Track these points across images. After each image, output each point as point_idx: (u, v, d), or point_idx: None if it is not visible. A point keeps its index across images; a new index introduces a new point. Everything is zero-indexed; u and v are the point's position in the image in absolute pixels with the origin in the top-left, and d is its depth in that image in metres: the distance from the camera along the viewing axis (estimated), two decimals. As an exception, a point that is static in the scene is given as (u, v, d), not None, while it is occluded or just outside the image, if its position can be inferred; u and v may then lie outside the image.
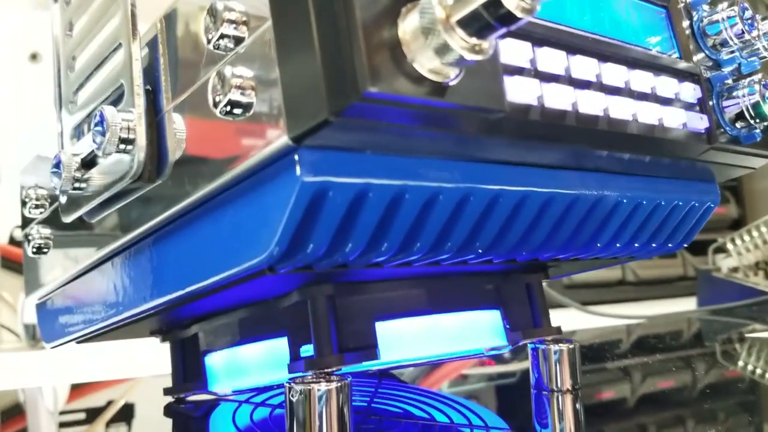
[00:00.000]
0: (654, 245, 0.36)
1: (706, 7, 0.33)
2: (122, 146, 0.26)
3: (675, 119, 0.29)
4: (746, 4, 0.32)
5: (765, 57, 0.33)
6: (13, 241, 1.02)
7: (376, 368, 0.38)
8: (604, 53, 0.27)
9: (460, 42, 0.19)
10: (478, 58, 0.19)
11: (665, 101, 0.29)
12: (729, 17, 0.32)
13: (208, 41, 0.23)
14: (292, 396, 0.27)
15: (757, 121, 0.31)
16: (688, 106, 0.31)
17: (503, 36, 0.21)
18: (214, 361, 0.37)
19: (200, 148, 0.25)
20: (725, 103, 0.32)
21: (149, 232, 0.29)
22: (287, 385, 0.28)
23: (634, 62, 0.29)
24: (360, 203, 0.23)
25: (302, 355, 0.31)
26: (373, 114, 0.20)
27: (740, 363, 0.53)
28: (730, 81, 0.33)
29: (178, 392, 0.40)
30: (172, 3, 0.27)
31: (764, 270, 1.03)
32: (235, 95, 0.22)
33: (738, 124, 0.32)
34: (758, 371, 0.49)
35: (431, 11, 0.19)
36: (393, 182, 0.23)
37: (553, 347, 0.37)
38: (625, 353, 0.63)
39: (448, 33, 0.19)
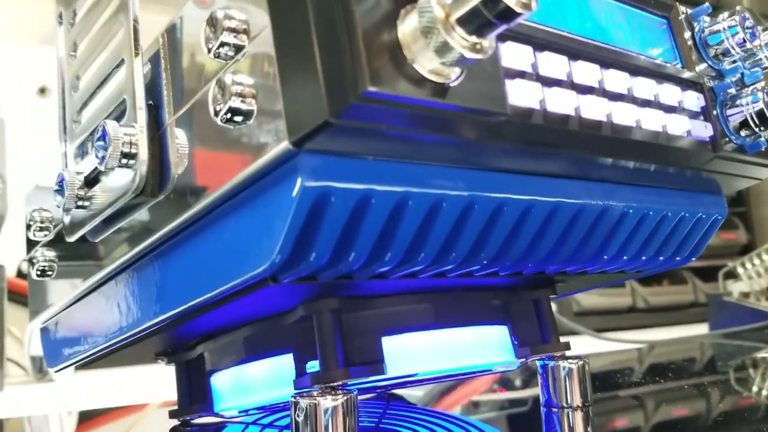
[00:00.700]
0: (661, 258, 0.36)
1: (706, 17, 0.33)
2: (124, 160, 0.26)
3: (679, 127, 0.29)
4: (747, 14, 0.33)
5: (768, 66, 0.33)
6: (20, 274, 1.02)
7: (383, 386, 0.37)
8: (606, 60, 0.27)
9: (460, 41, 0.19)
10: (479, 56, 0.19)
11: (669, 109, 0.29)
12: (730, 27, 0.32)
13: (209, 50, 0.23)
14: (298, 411, 0.27)
15: (762, 128, 0.31)
16: (692, 115, 0.31)
17: (503, 35, 0.21)
18: (220, 381, 0.36)
19: (202, 159, 0.25)
20: (729, 112, 0.32)
21: (152, 247, 0.29)
22: (293, 400, 0.27)
23: (636, 69, 0.29)
24: (363, 210, 0.23)
25: (308, 370, 0.30)
26: (373, 116, 0.20)
27: (755, 389, 0.52)
28: (733, 90, 0.33)
29: (184, 415, 0.39)
30: (173, 17, 0.27)
31: (775, 293, 1.02)
32: (235, 103, 0.22)
33: (743, 133, 0.32)
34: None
35: (430, 11, 0.19)
36: (396, 189, 0.23)
37: (563, 364, 0.37)
38: (638, 380, 0.62)
39: (448, 32, 0.19)
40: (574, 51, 0.26)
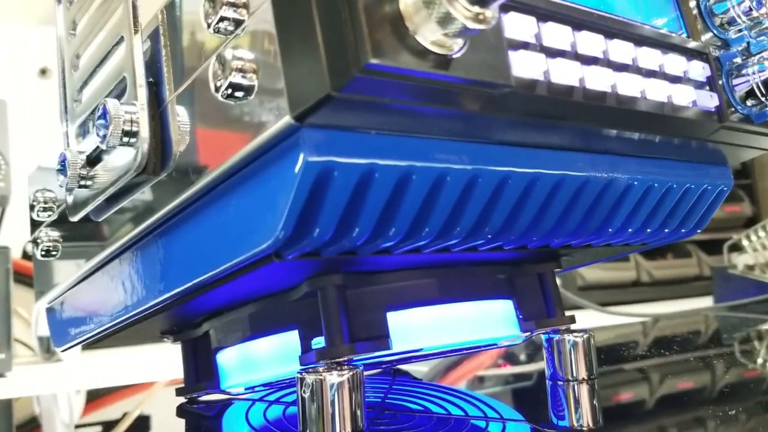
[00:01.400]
0: (666, 230, 0.35)
1: (712, -15, 0.33)
2: (126, 139, 0.26)
3: (684, 97, 0.29)
4: (753, -18, 0.32)
5: (774, 34, 0.33)
6: (26, 255, 1.02)
7: (388, 361, 0.37)
8: (610, 30, 0.27)
9: (462, 11, 0.19)
10: (482, 27, 0.19)
11: (674, 79, 0.29)
12: (736, -5, 0.32)
13: (208, 26, 0.23)
14: (305, 387, 0.27)
15: (769, 97, 0.31)
16: (698, 85, 0.30)
17: (506, 6, 0.20)
18: (226, 358, 0.37)
19: (204, 136, 0.25)
20: (735, 82, 0.32)
21: (155, 225, 0.29)
22: (299, 376, 0.27)
23: (641, 40, 0.28)
24: (366, 185, 0.23)
25: (314, 347, 0.30)
26: (375, 89, 0.20)
27: (759, 361, 0.53)
28: (739, 59, 0.32)
29: (191, 392, 0.39)
30: (172, -7, 0.27)
31: (780, 265, 1.02)
32: (236, 78, 0.22)
33: (749, 102, 0.31)
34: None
35: (432, -19, 0.19)
36: (399, 163, 0.23)
37: (568, 337, 0.37)
38: (643, 353, 0.62)
39: (450, 2, 0.19)
40: (578, 21, 0.26)
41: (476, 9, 0.19)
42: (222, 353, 0.37)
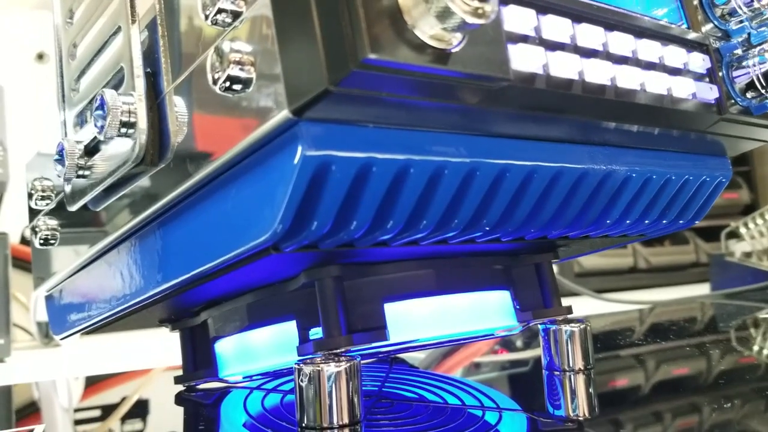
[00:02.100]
0: (665, 221, 0.35)
1: (713, -24, 0.33)
2: (123, 130, 0.26)
3: (684, 89, 0.29)
4: (754, -28, 0.32)
5: (775, 26, 0.32)
6: (24, 240, 1.02)
7: (387, 351, 0.37)
8: (610, 22, 0.27)
9: (461, 5, 0.19)
10: (481, 21, 0.19)
11: (674, 71, 0.29)
12: (737, -14, 0.32)
13: (206, 17, 0.23)
14: (302, 377, 0.27)
15: (769, 90, 0.31)
16: (697, 77, 0.30)
17: (505, 1, 0.20)
18: (224, 347, 0.37)
19: (202, 128, 0.25)
20: (735, 73, 0.31)
21: (154, 216, 0.29)
22: (296, 366, 0.27)
23: (641, 31, 0.28)
24: (364, 178, 0.23)
25: (311, 337, 0.30)
26: (373, 83, 0.20)
27: (755, 348, 0.53)
28: (739, 51, 0.32)
29: (189, 380, 0.40)
30: (169, -18, 0.26)
31: (778, 253, 1.02)
32: (234, 71, 0.22)
33: (749, 95, 0.31)
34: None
35: (430, -25, 0.19)
36: (397, 156, 0.23)
37: (564, 327, 0.37)
38: (639, 340, 0.62)
39: (449, -3, 0.18)
40: (578, 13, 0.26)
41: (475, 3, 0.19)
42: (220, 342, 0.37)
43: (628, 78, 0.27)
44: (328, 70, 0.19)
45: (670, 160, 0.33)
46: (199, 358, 0.38)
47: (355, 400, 0.27)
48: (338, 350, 0.28)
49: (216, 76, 0.22)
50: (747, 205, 1.51)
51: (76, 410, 0.48)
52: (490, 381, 0.47)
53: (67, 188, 0.33)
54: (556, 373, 0.38)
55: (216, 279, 0.28)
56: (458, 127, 0.25)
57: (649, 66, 0.28)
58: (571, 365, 0.37)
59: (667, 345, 0.55)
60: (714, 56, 0.31)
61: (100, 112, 0.26)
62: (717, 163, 0.36)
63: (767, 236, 1.03)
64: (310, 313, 0.30)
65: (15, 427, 0.41)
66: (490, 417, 0.33)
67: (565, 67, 0.24)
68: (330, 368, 0.27)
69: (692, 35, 0.31)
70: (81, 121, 0.32)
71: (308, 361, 0.27)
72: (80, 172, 0.30)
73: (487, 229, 0.28)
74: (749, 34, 0.33)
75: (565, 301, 0.37)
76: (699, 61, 0.30)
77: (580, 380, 0.37)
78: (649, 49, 0.28)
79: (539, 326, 0.38)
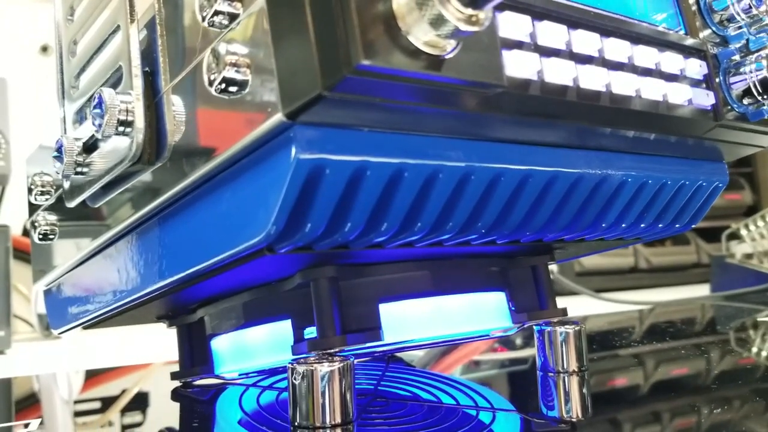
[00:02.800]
0: (661, 225, 0.35)
1: (712, -18, 0.33)
2: (121, 128, 0.26)
3: (680, 95, 0.29)
4: (753, -21, 0.32)
5: (773, 32, 0.32)
6: (26, 232, 1.03)
7: (381, 351, 0.38)
8: (606, 28, 0.27)
9: (455, 13, 0.19)
10: (474, 29, 0.19)
11: (670, 77, 0.29)
12: (736, -8, 0.32)
13: (203, 18, 0.23)
14: (295, 377, 0.27)
15: (765, 97, 0.31)
16: (694, 83, 0.30)
17: (500, 7, 0.20)
18: (220, 344, 0.37)
19: (198, 129, 0.25)
20: (732, 80, 0.31)
21: (150, 214, 0.29)
22: (290, 366, 0.28)
23: (637, 37, 0.28)
24: (358, 181, 0.23)
25: (306, 337, 0.31)
26: (367, 89, 0.20)
27: (754, 349, 0.53)
28: (737, 57, 0.32)
29: (186, 377, 0.40)
30: (168, -17, 0.27)
31: (778, 255, 1.02)
32: (229, 73, 0.22)
33: (745, 101, 0.31)
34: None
35: (424, -18, 0.19)
36: (392, 160, 0.23)
37: (559, 329, 0.37)
38: (638, 340, 0.62)
39: (443, 4, 0.19)
40: (574, 19, 0.26)
41: (469, 11, 0.19)
42: (216, 339, 0.37)
43: (624, 84, 0.27)
44: (321, 75, 0.19)
45: (665, 165, 0.33)
46: (195, 354, 0.39)
47: (348, 399, 0.28)
48: (332, 350, 0.28)
49: (212, 77, 0.23)
50: (749, 206, 1.51)
51: (76, 402, 0.49)
52: (488, 379, 0.47)
53: (66, 184, 0.33)
54: (551, 374, 0.38)
55: (211, 278, 0.28)
56: (453, 132, 0.25)
57: (646, 72, 0.28)
58: (565, 366, 0.37)
59: (665, 346, 0.55)
60: (711, 62, 0.31)
61: (98, 110, 0.26)
62: (713, 168, 0.36)
63: (768, 238, 1.03)
64: (305, 312, 0.30)
65: (15, 419, 0.41)
66: (484, 417, 0.33)
67: (560, 73, 0.24)
68: (323, 368, 0.27)
69: (690, 41, 0.31)
70: (80, 117, 0.32)
71: (302, 360, 0.28)
72: (78, 169, 0.31)
73: (483, 232, 0.28)
74: (747, 40, 0.33)
75: (565, 301, 0.38)
76: (696, 68, 0.30)
77: (574, 381, 0.37)
78: (646, 55, 0.28)
79: (534, 328, 0.38)
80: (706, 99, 0.30)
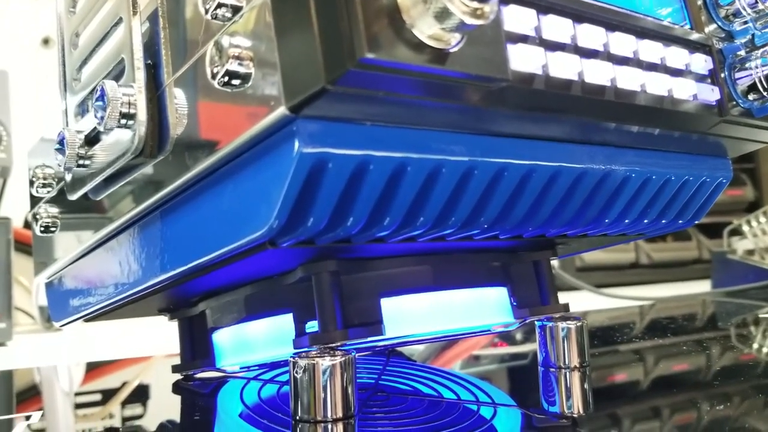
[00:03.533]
0: (664, 221, 0.35)
1: (718, -24, 0.32)
2: (123, 121, 0.26)
3: (685, 91, 0.29)
4: (759, -27, 0.32)
5: (779, 27, 0.32)
6: (27, 225, 1.03)
7: (383, 345, 0.38)
8: (612, 22, 0.27)
9: (460, 6, 0.18)
10: (480, 22, 0.19)
11: (675, 72, 0.29)
12: (742, -13, 0.31)
13: (206, 11, 0.23)
14: (297, 370, 0.27)
15: (770, 92, 0.31)
16: (699, 78, 0.30)
17: (505, 0, 0.20)
18: (221, 338, 0.37)
19: (200, 122, 0.25)
20: (737, 75, 0.31)
21: (153, 207, 0.29)
22: (292, 360, 0.28)
23: (643, 32, 0.28)
24: (361, 176, 0.23)
25: (307, 331, 0.31)
26: (371, 82, 0.20)
27: (755, 346, 0.53)
28: (742, 52, 0.32)
29: (187, 369, 0.40)
30: (171, -26, 0.26)
31: (780, 252, 1.02)
32: (232, 66, 0.22)
33: (750, 96, 0.31)
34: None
35: (430, -25, 0.18)
36: (394, 154, 0.23)
37: (561, 324, 0.37)
38: (639, 335, 0.62)
39: (448, -3, 0.18)
40: (579, 13, 0.25)
41: (474, 4, 0.19)
42: (218, 333, 0.37)
43: (629, 79, 0.26)
44: (325, 68, 0.19)
45: (669, 161, 0.33)
46: (196, 347, 0.39)
47: (350, 393, 0.28)
48: (334, 344, 0.28)
49: (215, 70, 0.22)
50: (751, 202, 1.51)
51: (77, 394, 0.49)
52: (488, 374, 0.47)
53: (68, 177, 0.33)
54: (552, 369, 0.38)
55: (213, 271, 0.28)
56: (456, 126, 0.24)
57: (651, 67, 0.28)
58: (566, 362, 0.37)
59: (666, 341, 0.55)
60: (717, 57, 0.31)
61: (100, 103, 0.26)
62: (717, 164, 0.35)
63: (770, 234, 1.03)
64: (307, 306, 0.30)
65: (16, 410, 0.41)
66: (485, 412, 0.33)
67: (564, 67, 0.24)
68: (325, 362, 0.27)
69: (695, 36, 0.31)
70: (82, 110, 0.32)
71: (303, 354, 0.28)
72: (80, 162, 0.31)
73: (485, 227, 0.28)
74: (753, 35, 0.32)
75: (566, 296, 0.37)
76: (701, 63, 0.30)
77: (576, 377, 0.37)
78: (651, 50, 0.28)
79: (536, 323, 0.38)
80: (711, 94, 0.30)
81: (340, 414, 0.27)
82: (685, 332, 0.62)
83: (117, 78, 0.28)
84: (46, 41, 1.08)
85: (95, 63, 0.30)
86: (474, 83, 0.21)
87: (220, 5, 0.22)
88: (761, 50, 0.31)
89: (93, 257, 0.36)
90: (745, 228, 1.04)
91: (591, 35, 0.25)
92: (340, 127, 0.22)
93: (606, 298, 0.97)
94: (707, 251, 1.37)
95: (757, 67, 0.31)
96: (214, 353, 0.38)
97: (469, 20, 0.19)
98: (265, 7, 0.21)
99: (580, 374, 0.37)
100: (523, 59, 0.23)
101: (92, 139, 0.31)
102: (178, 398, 0.41)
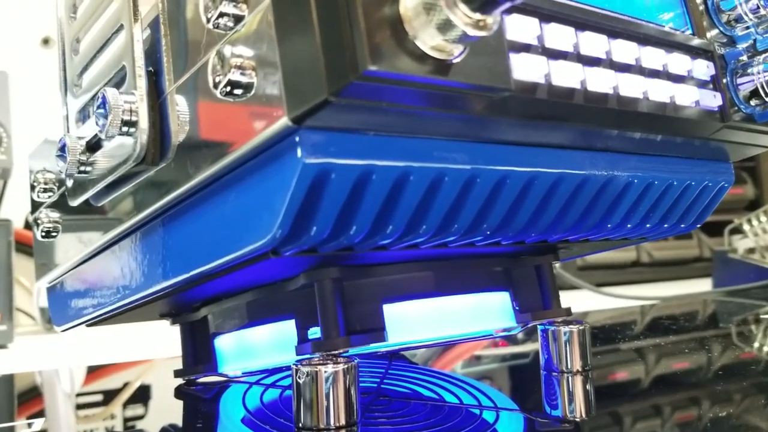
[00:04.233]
0: (666, 226, 0.35)
1: (720, -19, 0.32)
2: (125, 129, 0.26)
3: (687, 97, 0.29)
4: (761, -22, 0.32)
5: (781, 32, 0.32)
6: (28, 225, 1.02)
7: (385, 350, 0.38)
8: (614, 29, 0.27)
9: (462, 18, 0.18)
10: (482, 34, 0.19)
11: (677, 78, 0.29)
12: (744, -8, 0.31)
13: (208, 20, 0.23)
14: (299, 378, 0.27)
15: (773, 98, 0.31)
16: (701, 84, 0.30)
17: (508, 11, 0.20)
18: (224, 343, 0.37)
19: (202, 130, 0.25)
20: (739, 81, 0.31)
21: (155, 215, 0.29)
22: (294, 367, 0.28)
23: (645, 39, 0.28)
24: (363, 185, 0.23)
25: (310, 337, 0.31)
26: (374, 93, 0.20)
27: (756, 344, 0.53)
28: (744, 58, 0.32)
29: (189, 374, 0.40)
30: (172, -18, 0.26)
31: (781, 251, 1.02)
32: (234, 75, 0.22)
33: (752, 102, 0.31)
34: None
35: (432, -14, 0.18)
36: (397, 164, 0.23)
37: (563, 329, 0.37)
38: (640, 334, 0.62)
39: (450, 9, 0.18)
40: (582, 21, 0.25)
41: (477, 16, 0.19)
42: (220, 338, 0.37)
43: (631, 86, 0.26)
44: (328, 80, 0.19)
45: (672, 166, 0.33)
46: (198, 353, 0.39)
47: (352, 401, 0.28)
48: (336, 351, 0.28)
49: (217, 79, 0.22)
50: (751, 201, 1.51)
51: (78, 395, 0.49)
52: (491, 374, 0.47)
53: (69, 183, 0.33)
54: (554, 373, 0.38)
55: (215, 279, 0.28)
56: (459, 135, 0.24)
57: (653, 74, 0.28)
58: (569, 366, 0.37)
59: (667, 340, 0.55)
60: (718, 63, 0.31)
61: (101, 110, 0.26)
62: (719, 169, 0.35)
63: (771, 233, 1.03)
64: (309, 312, 0.30)
65: (17, 412, 0.41)
66: (488, 416, 0.33)
67: (567, 76, 0.24)
68: (327, 369, 0.27)
69: (697, 41, 0.31)
70: (83, 116, 0.32)
71: (306, 361, 0.28)
72: (82, 168, 0.30)
73: (488, 233, 0.28)
74: (755, 40, 0.32)
75: (567, 295, 0.37)
76: (703, 68, 0.30)
77: (578, 381, 0.37)
78: (653, 57, 0.28)
79: (538, 327, 0.38)
80: (713, 100, 0.30)
81: (342, 421, 0.27)
82: (686, 331, 0.62)
83: (118, 85, 0.28)
84: (46, 41, 1.08)
85: (96, 69, 0.30)
86: (477, 93, 0.21)
87: (222, 14, 0.22)
88: (763, 55, 0.31)
89: (95, 262, 0.36)
90: (746, 227, 1.04)
91: (593, 43, 0.25)
92: (342, 137, 0.22)
93: (607, 297, 0.97)
94: (708, 250, 1.37)
95: (759, 73, 0.31)
96: (216, 359, 0.38)
97: (472, 32, 0.19)
98: (268, 16, 0.21)
99: (583, 378, 0.37)
100: (525, 68, 0.23)
101: (94, 145, 0.31)
102: (179, 398, 0.41)
